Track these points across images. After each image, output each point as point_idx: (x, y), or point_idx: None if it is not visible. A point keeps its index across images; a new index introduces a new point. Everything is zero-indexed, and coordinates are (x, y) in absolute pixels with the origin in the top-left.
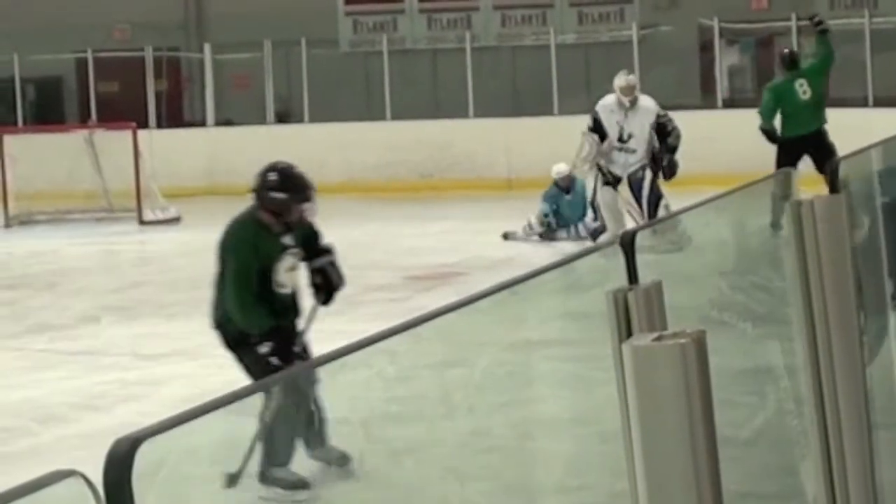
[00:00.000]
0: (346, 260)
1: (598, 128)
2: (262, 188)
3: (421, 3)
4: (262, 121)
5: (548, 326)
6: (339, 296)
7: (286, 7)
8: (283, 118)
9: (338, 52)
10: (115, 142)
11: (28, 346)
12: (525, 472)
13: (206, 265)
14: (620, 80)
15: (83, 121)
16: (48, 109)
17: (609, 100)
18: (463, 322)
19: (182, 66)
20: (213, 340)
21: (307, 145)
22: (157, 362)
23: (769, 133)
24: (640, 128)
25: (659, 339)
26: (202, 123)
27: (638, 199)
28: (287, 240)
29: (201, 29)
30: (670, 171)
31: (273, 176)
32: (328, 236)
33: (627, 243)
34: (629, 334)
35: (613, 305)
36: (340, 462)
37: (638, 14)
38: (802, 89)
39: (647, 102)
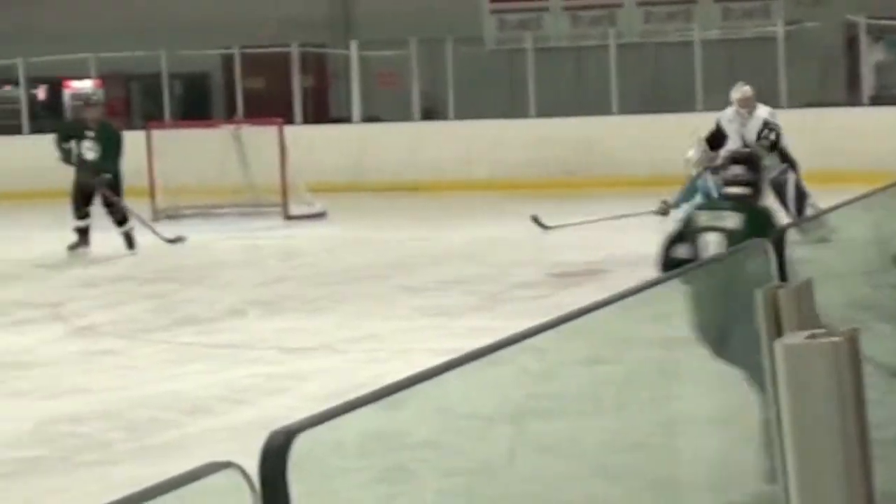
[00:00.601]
0: (491, 257)
1: (718, 135)
2: (760, 171)
3: (565, 0)
4: (408, 118)
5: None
6: (484, 292)
7: (432, 5)
8: (428, 115)
9: (483, 50)
10: (261, 137)
11: (175, 339)
12: (670, 470)
13: (351, 260)
14: (737, 92)
15: (229, 116)
16: (195, 105)
17: (728, 111)
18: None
19: (328, 63)
20: (356, 335)
21: (452, 142)
22: (302, 356)
23: None
24: (756, 135)
25: (812, 337)
26: (348, 120)
27: (784, 202)
28: None
29: (348, 26)
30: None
31: (754, 157)
32: (474, 233)
33: (778, 242)
34: (779, 332)
35: (764, 303)
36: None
37: (783, 10)
38: None
39: (762, 112)
